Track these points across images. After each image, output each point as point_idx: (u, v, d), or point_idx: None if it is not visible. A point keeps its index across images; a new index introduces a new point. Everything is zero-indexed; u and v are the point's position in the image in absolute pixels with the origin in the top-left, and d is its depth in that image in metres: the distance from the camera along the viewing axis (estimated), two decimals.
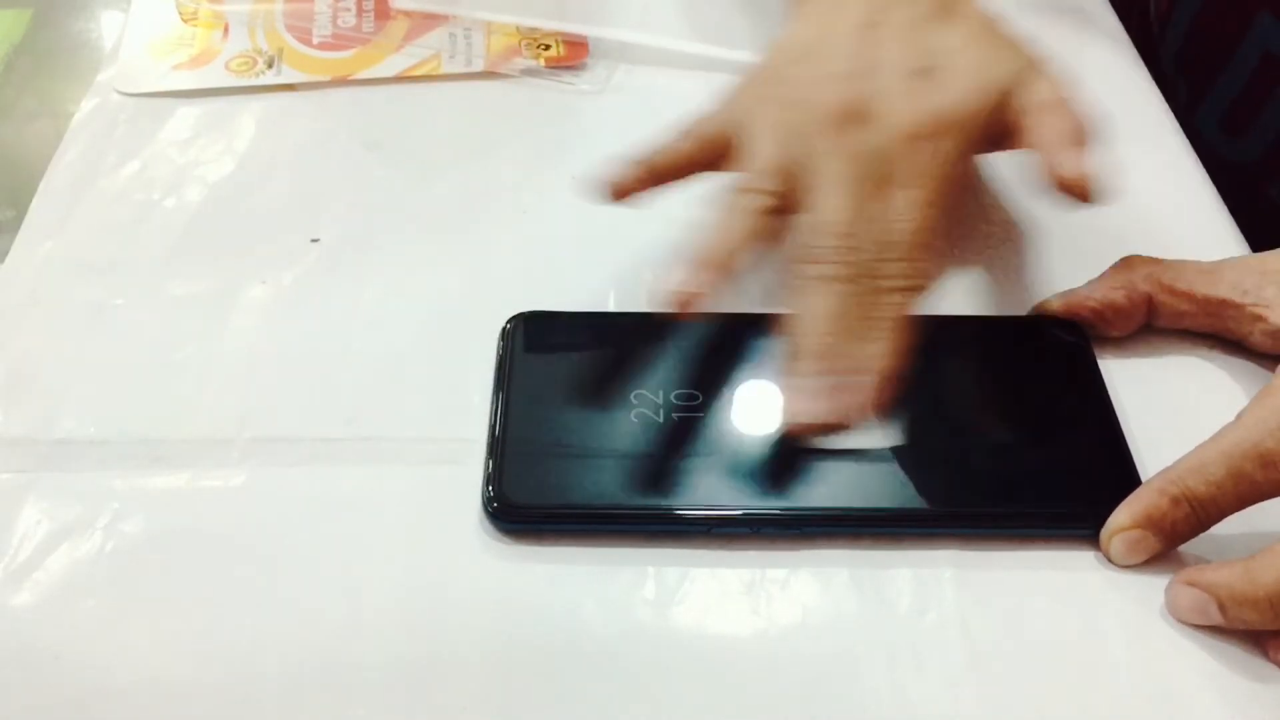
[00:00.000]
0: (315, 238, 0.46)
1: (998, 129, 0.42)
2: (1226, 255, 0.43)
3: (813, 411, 0.37)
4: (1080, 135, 0.40)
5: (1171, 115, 0.53)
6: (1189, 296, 0.41)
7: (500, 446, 0.38)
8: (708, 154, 0.42)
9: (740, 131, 0.42)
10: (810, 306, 0.38)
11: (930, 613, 0.35)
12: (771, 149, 0.41)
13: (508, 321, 0.42)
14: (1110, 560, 0.36)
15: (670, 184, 0.42)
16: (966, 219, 0.47)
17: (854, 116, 0.41)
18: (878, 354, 0.38)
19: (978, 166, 0.49)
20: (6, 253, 0.45)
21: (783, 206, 0.40)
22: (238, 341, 0.42)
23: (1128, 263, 0.42)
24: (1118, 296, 0.41)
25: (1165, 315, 0.42)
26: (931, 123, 0.41)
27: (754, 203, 0.40)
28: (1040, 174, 0.40)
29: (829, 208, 0.40)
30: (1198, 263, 0.42)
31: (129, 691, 0.33)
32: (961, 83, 0.42)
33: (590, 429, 0.38)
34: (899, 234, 0.39)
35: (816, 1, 0.46)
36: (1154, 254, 0.43)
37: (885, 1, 0.44)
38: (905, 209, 0.40)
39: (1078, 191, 0.39)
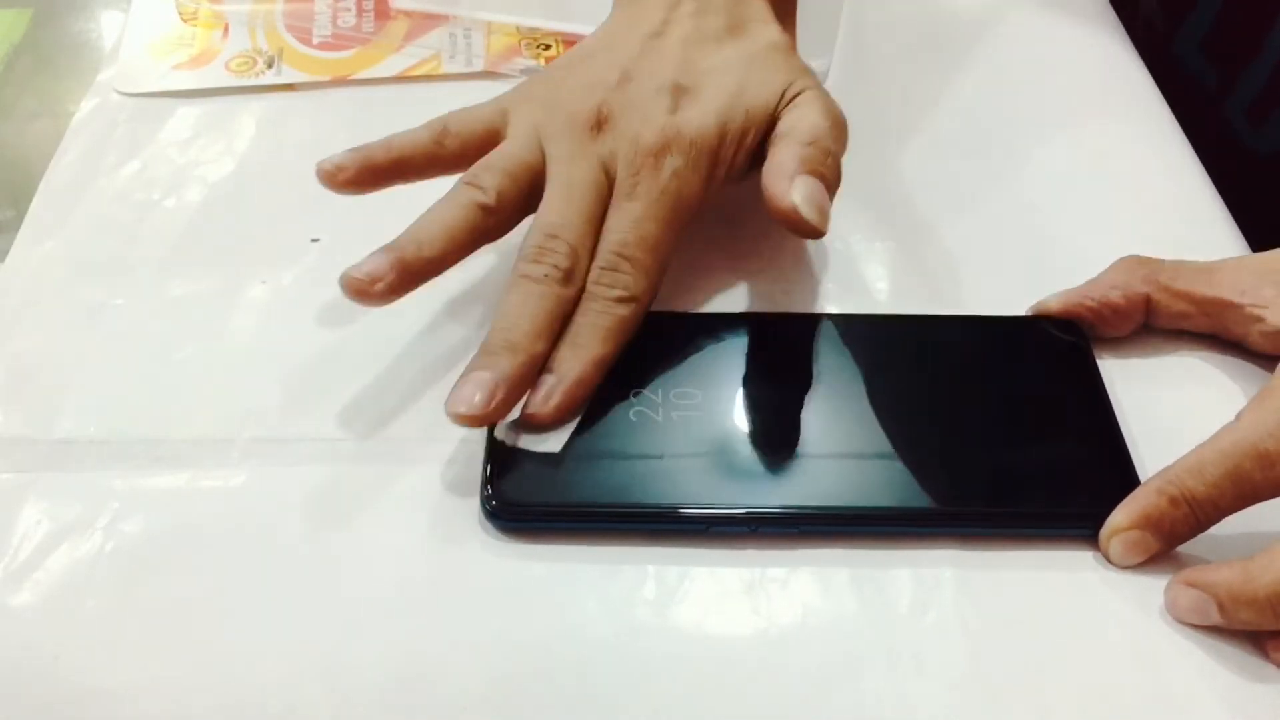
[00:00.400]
0: (315, 238, 0.46)
1: (757, 154, 0.43)
2: (1223, 251, 0.43)
3: (471, 402, 0.37)
4: (794, 166, 0.41)
5: (1166, 105, 0.53)
6: (1188, 297, 0.41)
7: (499, 444, 0.38)
8: (467, 147, 0.43)
9: (503, 128, 0.43)
10: (511, 301, 0.39)
11: (930, 613, 0.35)
12: (516, 147, 0.42)
13: None
14: (1109, 561, 0.36)
15: (415, 176, 0.43)
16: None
17: (598, 124, 0.42)
18: (571, 358, 0.39)
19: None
20: (6, 253, 0.45)
21: (514, 206, 0.41)
22: (238, 341, 0.42)
23: (1126, 263, 0.42)
24: (1115, 296, 0.41)
25: (1164, 316, 0.42)
26: (662, 140, 0.41)
27: (475, 197, 0.41)
28: (764, 197, 0.41)
29: (551, 209, 0.41)
30: (1196, 263, 0.42)
31: (129, 691, 0.33)
32: (709, 104, 0.42)
33: (589, 427, 0.38)
34: (616, 245, 0.40)
35: (627, 5, 0.47)
36: (1151, 248, 0.43)
37: (681, 14, 0.45)
38: (627, 221, 0.41)
39: (788, 222, 0.40)
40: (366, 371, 0.41)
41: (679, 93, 0.43)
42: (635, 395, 0.39)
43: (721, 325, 0.42)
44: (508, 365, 0.37)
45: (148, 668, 0.34)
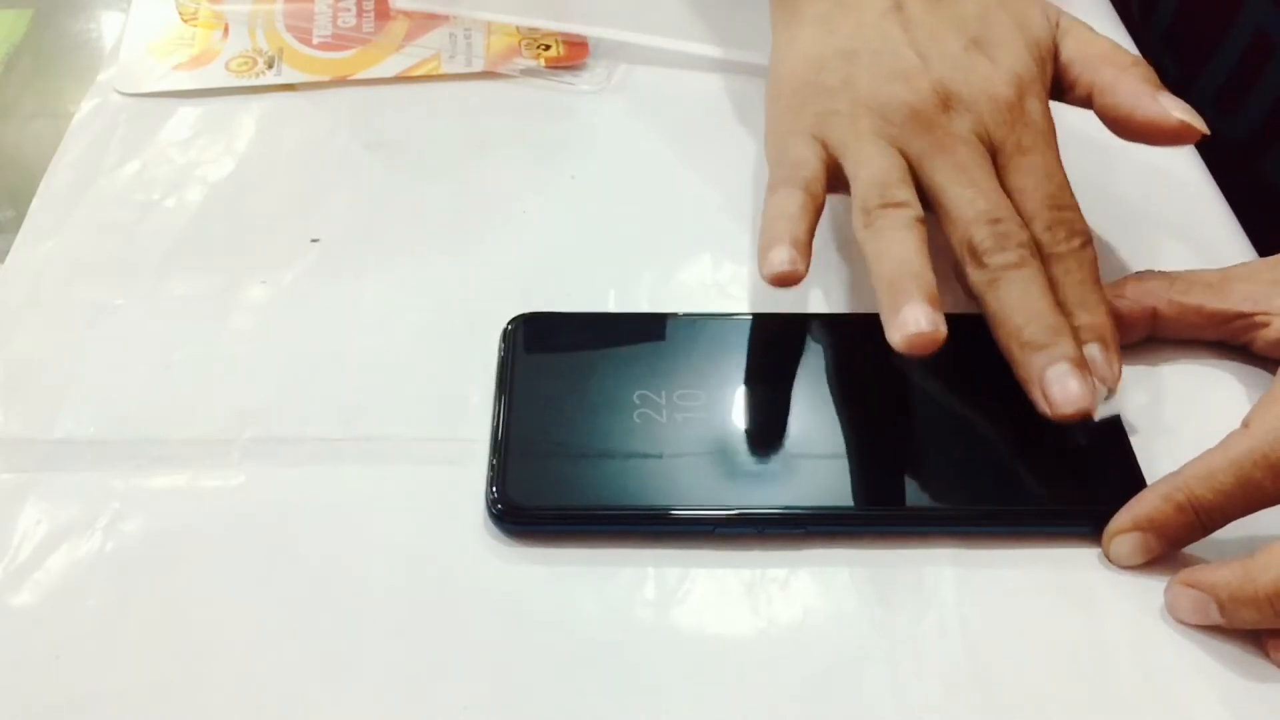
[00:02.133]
0: (315, 238, 0.46)
1: (1051, 83, 0.43)
2: (1218, 235, 0.43)
3: (1075, 398, 0.37)
4: (1153, 80, 0.41)
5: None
6: (1197, 311, 0.41)
7: (503, 447, 0.38)
8: (823, 192, 0.41)
9: (839, 153, 0.42)
10: (1010, 299, 0.38)
11: (931, 611, 0.35)
12: (881, 159, 0.41)
13: (509, 323, 0.42)
14: (1111, 562, 0.36)
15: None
16: None
17: (944, 104, 0.41)
18: (1096, 320, 0.39)
19: None
20: (6, 253, 0.45)
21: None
22: (238, 341, 0.42)
23: (1138, 277, 0.42)
24: (1121, 305, 0.41)
25: (1171, 328, 0.42)
26: (1014, 88, 0.41)
27: (909, 215, 0.39)
28: (1124, 123, 0.41)
29: (966, 199, 0.40)
30: (1205, 273, 0.42)
31: (129, 691, 0.33)
32: (1012, 44, 0.42)
33: (593, 429, 0.38)
34: (1046, 200, 0.40)
35: (810, 3, 0.45)
36: (1146, 236, 0.43)
37: None
38: (1040, 175, 0.40)
39: (1184, 134, 0.41)
40: (366, 371, 0.41)
41: (980, 44, 0.42)
42: (639, 397, 0.39)
43: (725, 326, 0.42)
44: (1069, 347, 0.37)
45: (148, 668, 0.34)
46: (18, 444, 0.39)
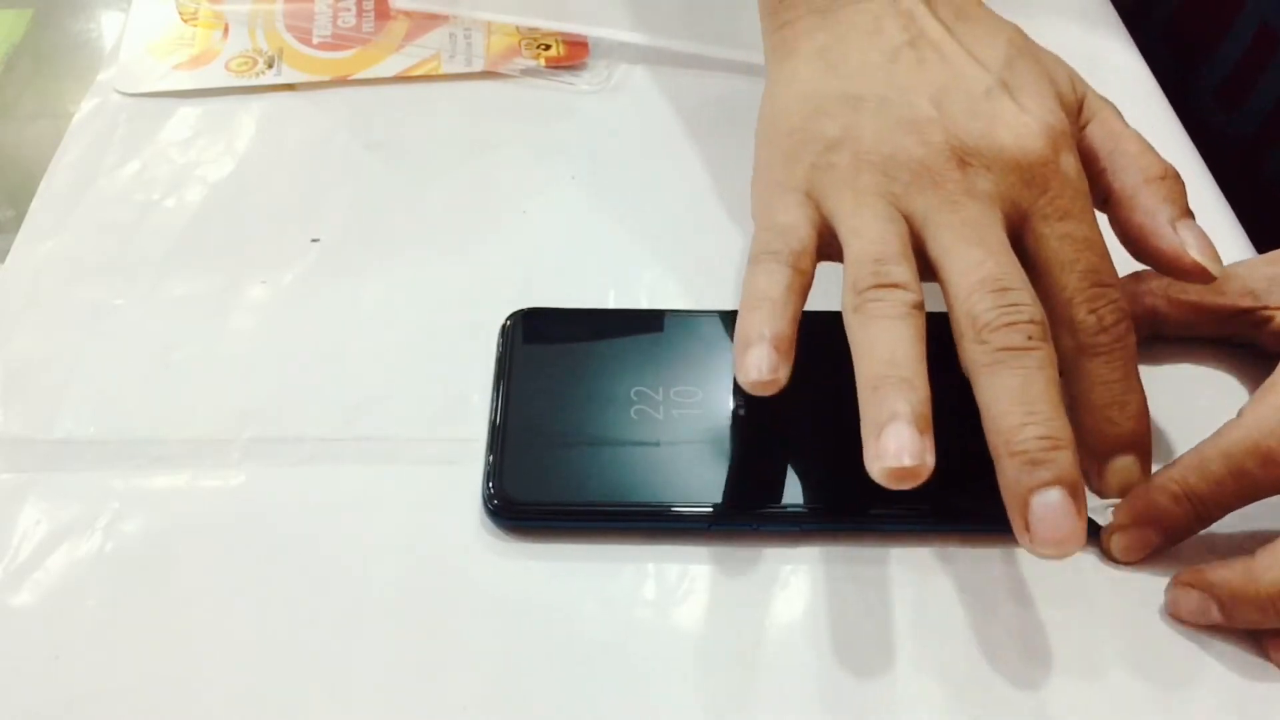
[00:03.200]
0: (315, 238, 0.46)
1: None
2: (1218, 235, 0.43)
3: (1061, 537, 0.31)
4: (1179, 201, 0.37)
5: (1159, 90, 0.53)
6: (1197, 308, 0.41)
7: (500, 443, 0.38)
8: (812, 266, 0.36)
9: (832, 218, 0.36)
10: (1009, 389, 0.32)
11: (930, 609, 0.35)
12: (878, 226, 0.35)
13: (507, 318, 0.42)
14: (1111, 557, 0.36)
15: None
16: None
17: (960, 161, 0.35)
18: (1136, 428, 0.34)
19: None
20: (6, 253, 0.45)
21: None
22: (238, 341, 0.42)
23: (1138, 276, 0.42)
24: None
25: (1172, 325, 0.41)
26: (1049, 137, 0.36)
27: (905, 300, 0.34)
28: (1135, 244, 0.37)
29: (973, 264, 0.34)
30: None
31: (129, 691, 0.33)
32: (1044, 94, 0.37)
33: (590, 426, 0.38)
34: (1088, 274, 0.35)
35: (811, 31, 0.40)
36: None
37: (914, 12, 0.39)
38: (1079, 243, 0.35)
39: (1194, 275, 0.36)
40: (366, 371, 0.41)
41: (1007, 89, 0.37)
42: (636, 393, 0.39)
43: (722, 323, 0.42)
44: (1066, 462, 0.32)
45: (148, 668, 0.34)
46: (18, 444, 0.39)
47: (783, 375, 0.34)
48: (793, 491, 0.37)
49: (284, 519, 0.37)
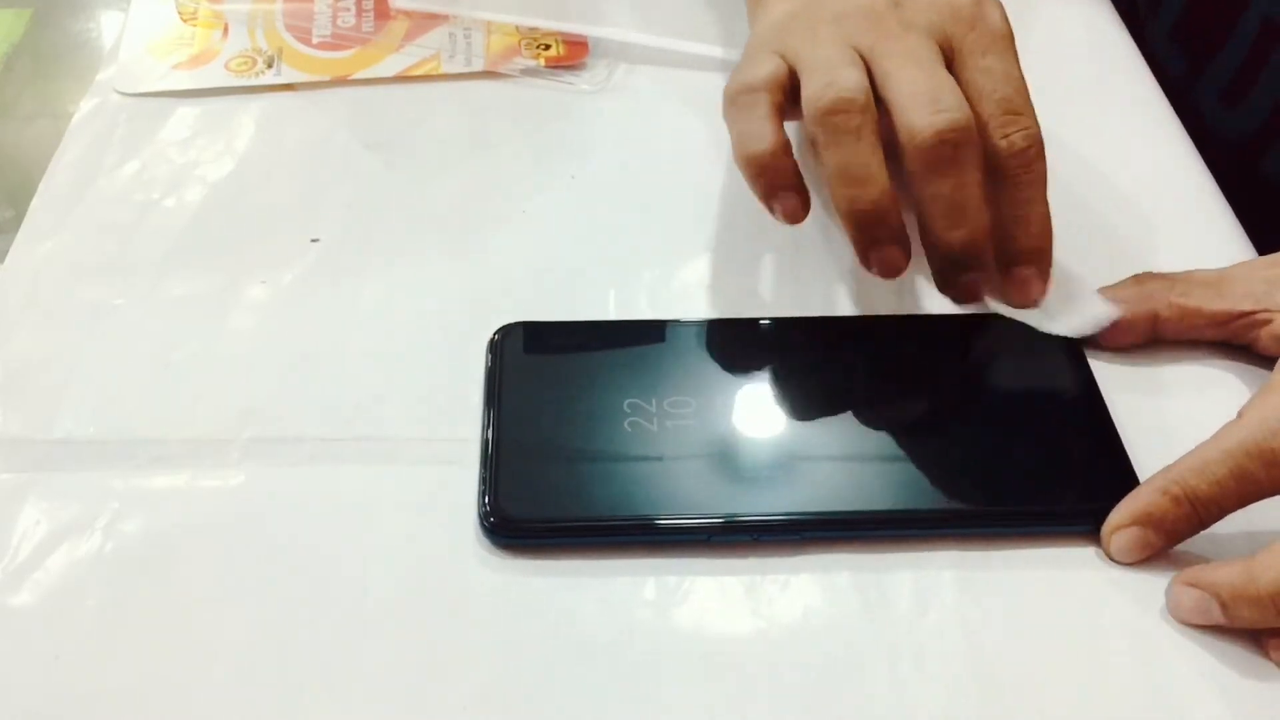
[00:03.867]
0: (315, 238, 0.46)
1: None
2: (1218, 235, 0.43)
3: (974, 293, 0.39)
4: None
5: (1160, 91, 0.53)
6: (1198, 313, 0.41)
7: (494, 460, 0.37)
8: (786, 80, 0.41)
9: (795, 59, 0.41)
10: (943, 188, 0.39)
11: (931, 613, 0.35)
12: (831, 50, 0.40)
13: (495, 333, 0.41)
14: (1110, 558, 0.36)
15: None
16: None
17: (892, 4, 0.41)
18: (1036, 245, 0.39)
19: None
20: (6, 253, 0.45)
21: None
22: (238, 341, 0.42)
23: (1138, 280, 0.42)
24: (1121, 310, 0.41)
25: (1172, 330, 0.41)
26: None
27: (859, 123, 0.39)
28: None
29: (919, 92, 0.39)
30: (1205, 273, 0.42)
31: (129, 691, 0.33)
32: None
33: (584, 439, 0.38)
34: (1009, 102, 0.39)
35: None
36: (1146, 236, 0.43)
37: None
38: (998, 76, 0.39)
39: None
40: (366, 371, 0.41)
41: None
42: (629, 405, 0.39)
43: (713, 331, 0.42)
44: (984, 255, 0.39)
45: (148, 668, 0.34)
46: (17, 444, 0.39)
47: (801, 215, 0.40)
48: (791, 500, 0.37)
49: (284, 519, 0.37)
